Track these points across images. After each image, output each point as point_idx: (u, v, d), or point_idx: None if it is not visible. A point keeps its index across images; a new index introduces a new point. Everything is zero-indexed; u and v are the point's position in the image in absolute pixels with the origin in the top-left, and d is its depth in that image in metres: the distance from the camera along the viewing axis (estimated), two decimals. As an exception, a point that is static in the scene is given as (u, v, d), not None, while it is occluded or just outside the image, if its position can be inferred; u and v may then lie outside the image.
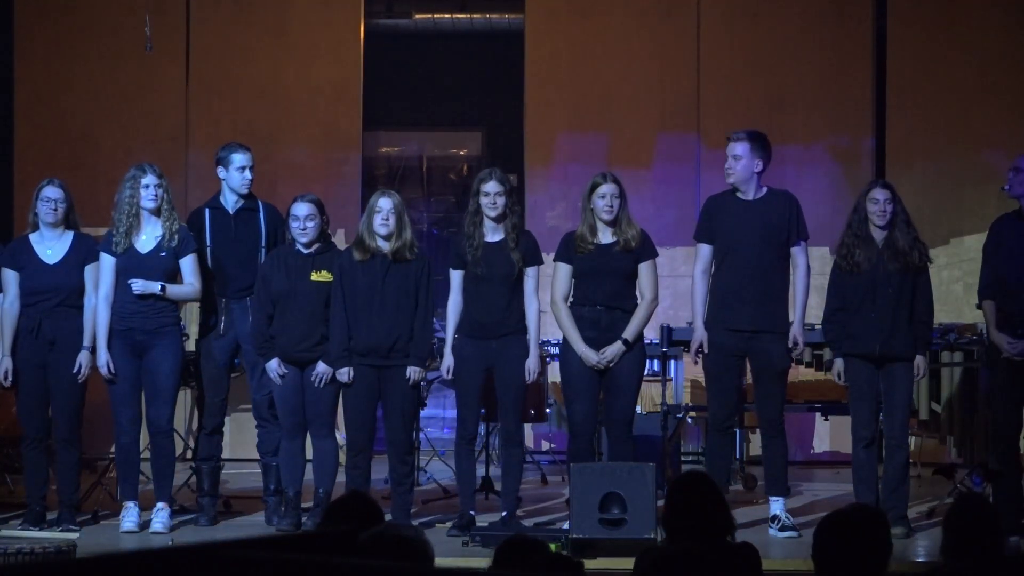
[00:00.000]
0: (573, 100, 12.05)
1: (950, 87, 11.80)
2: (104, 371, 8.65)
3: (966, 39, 11.80)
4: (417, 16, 13.62)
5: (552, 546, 7.55)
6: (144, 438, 8.90)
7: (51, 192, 8.78)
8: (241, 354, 9.08)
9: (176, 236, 8.69)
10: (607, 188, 8.52)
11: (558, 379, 9.47)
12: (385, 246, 8.56)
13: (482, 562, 7.26)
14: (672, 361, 10.22)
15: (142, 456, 8.92)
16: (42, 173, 11.91)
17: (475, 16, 13.51)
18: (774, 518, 8.60)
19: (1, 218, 11.92)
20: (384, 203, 8.57)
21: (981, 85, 11.77)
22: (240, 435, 11.08)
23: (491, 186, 8.58)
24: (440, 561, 5.37)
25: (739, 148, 8.65)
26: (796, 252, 8.71)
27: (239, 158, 8.98)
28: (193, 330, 9.42)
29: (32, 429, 8.75)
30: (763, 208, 8.64)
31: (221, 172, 9.04)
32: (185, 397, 10.35)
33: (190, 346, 9.43)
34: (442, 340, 8.98)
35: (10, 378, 8.73)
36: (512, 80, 12.33)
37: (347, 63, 12.04)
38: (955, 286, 11.55)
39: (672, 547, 5.11)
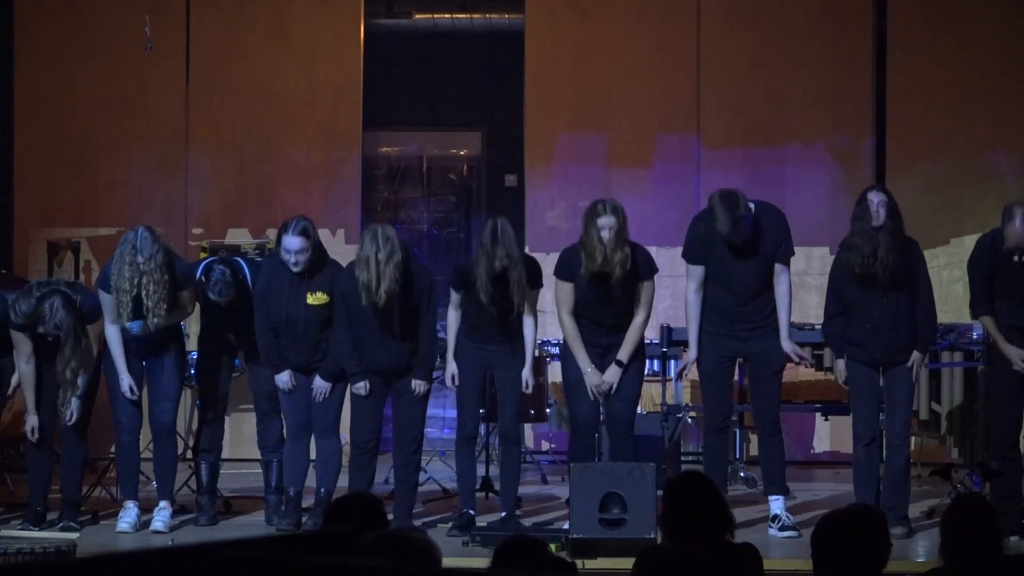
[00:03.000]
0: (573, 100, 12.04)
1: (950, 87, 11.79)
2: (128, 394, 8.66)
3: (966, 39, 11.78)
4: (417, 16, 13.59)
5: (552, 546, 7.56)
6: (144, 438, 8.91)
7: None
8: (240, 354, 9.08)
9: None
10: (606, 220, 8.41)
11: (558, 379, 9.47)
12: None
13: (482, 562, 7.26)
14: (672, 361, 10.22)
15: (142, 456, 8.92)
16: (42, 173, 11.96)
17: (475, 16, 13.48)
18: (774, 518, 8.60)
19: (1, 218, 11.92)
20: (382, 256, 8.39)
21: (981, 85, 11.76)
22: (239, 434, 11.08)
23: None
24: (440, 561, 5.36)
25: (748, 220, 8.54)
26: (779, 270, 8.68)
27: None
28: (194, 329, 9.42)
29: (41, 425, 8.74)
30: (751, 236, 8.59)
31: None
32: (185, 397, 10.35)
33: (191, 345, 9.44)
34: (443, 340, 8.98)
35: (37, 435, 8.72)
36: (512, 80, 12.32)
37: (347, 63, 12.03)
38: (955, 286, 11.53)
39: (672, 547, 5.11)
